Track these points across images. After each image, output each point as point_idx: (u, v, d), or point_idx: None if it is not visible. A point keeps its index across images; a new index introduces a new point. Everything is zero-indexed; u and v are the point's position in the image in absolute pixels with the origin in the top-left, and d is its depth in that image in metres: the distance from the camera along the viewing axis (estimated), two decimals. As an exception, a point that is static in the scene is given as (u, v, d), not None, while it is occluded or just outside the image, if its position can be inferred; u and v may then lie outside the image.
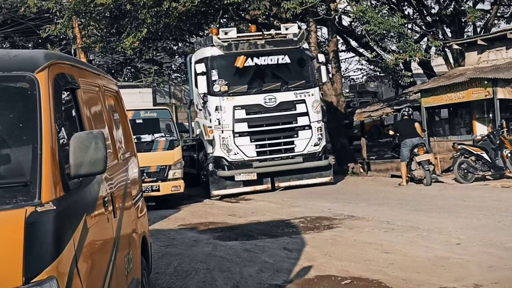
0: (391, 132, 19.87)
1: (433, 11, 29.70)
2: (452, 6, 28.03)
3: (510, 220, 11.39)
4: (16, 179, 3.84)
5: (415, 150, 17.90)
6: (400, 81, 26.43)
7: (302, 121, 18.59)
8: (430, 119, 22.90)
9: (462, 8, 27.10)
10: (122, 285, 5.15)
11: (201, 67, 18.42)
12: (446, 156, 19.87)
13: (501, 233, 10.36)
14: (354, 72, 43.93)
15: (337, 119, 23.43)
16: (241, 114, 18.27)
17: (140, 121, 17.54)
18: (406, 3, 29.58)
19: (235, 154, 18.26)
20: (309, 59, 19.31)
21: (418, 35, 30.32)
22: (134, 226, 6.17)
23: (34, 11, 23.93)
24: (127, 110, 7.50)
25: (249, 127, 18.33)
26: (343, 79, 30.78)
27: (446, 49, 27.99)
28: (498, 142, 17.40)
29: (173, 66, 40.70)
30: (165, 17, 22.02)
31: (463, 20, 28.61)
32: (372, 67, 35.85)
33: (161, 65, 37.78)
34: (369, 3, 25.39)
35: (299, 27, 20.30)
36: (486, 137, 17.84)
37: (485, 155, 17.31)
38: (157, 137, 17.64)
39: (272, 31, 19.68)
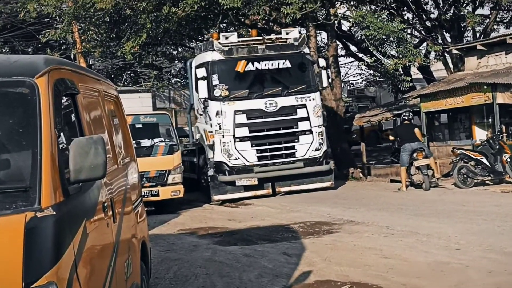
0: (391, 137, 19.87)
1: (432, 16, 29.72)
2: (452, 11, 28.03)
3: (510, 225, 11.39)
4: (16, 184, 3.85)
5: (414, 155, 17.91)
6: (399, 86, 26.41)
7: (303, 125, 18.56)
8: (429, 124, 22.89)
9: (462, 13, 27.09)
10: (121, 290, 5.15)
11: (201, 72, 18.37)
12: (445, 161, 19.86)
13: (501, 238, 10.35)
14: (354, 77, 43.97)
15: (336, 124, 23.43)
16: (242, 119, 18.24)
17: (140, 126, 17.52)
18: (405, 8, 29.58)
19: (236, 159, 18.24)
20: (310, 64, 19.28)
21: (417, 40, 30.33)
22: (133, 231, 6.17)
23: (34, 16, 23.96)
24: (126, 115, 7.50)
25: (250, 132, 18.29)
26: (342, 84, 30.79)
27: (446, 54, 28.00)
28: (497, 147, 17.40)
29: (172, 71, 40.70)
30: (164, 22, 22.04)
31: (462, 25, 28.61)
32: (371, 72, 35.87)
33: (160, 70, 37.78)
34: (368, 8, 25.48)
35: (300, 32, 20.29)
36: (485, 142, 17.84)
37: (484, 160, 17.30)
38: (157, 142, 17.62)
39: (273, 36, 19.68)
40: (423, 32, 29.61)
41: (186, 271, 9.56)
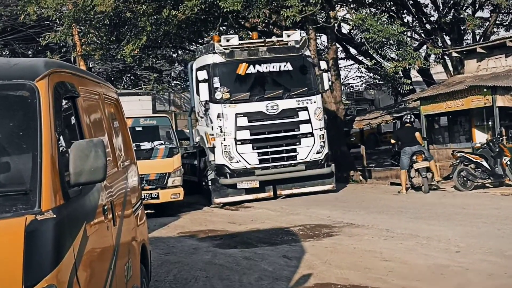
0: (392, 141, 19.87)
1: (432, 19, 29.76)
2: (452, 14, 28.08)
3: (510, 228, 11.38)
4: (16, 188, 3.85)
5: (414, 157, 17.91)
6: (399, 89, 26.48)
7: (304, 128, 18.53)
8: (429, 126, 22.92)
9: (461, 16, 27.13)
10: (121, 293, 5.15)
11: (202, 74, 18.33)
12: (445, 164, 19.86)
13: (501, 241, 10.35)
14: (354, 79, 44.02)
15: (336, 127, 23.44)
16: (243, 121, 18.21)
17: (140, 128, 17.52)
18: (405, 11, 29.63)
19: (237, 161, 18.20)
20: (311, 66, 19.24)
21: (417, 43, 30.36)
22: (133, 234, 6.17)
23: (34, 18, 23.97)
24: (126, 118, 7.50)
25: (251, 134, 18.25)
26: (342, 87, 30.81)
27: (446, 57, 28.03)
28: (497, 149, 17.41)
29: (172, 73, 40.73)
30: (164, 25, 22.06)
31: (462, 28, 28.65)
32: (371, 74, 35.90)
33: (160, 72, 37.81)
34: (368, 11, 25.50)
35: (301, 34, 20.28)
36: (485, 145, 17.84)
37: (484, 163, 17.31)
38: (157, 145, 17.63)
39: (274, 38, 19.65)
40: (423, 35, 29.64)
41: (186, 274, 9.56)
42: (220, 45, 18.46)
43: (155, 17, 22.20)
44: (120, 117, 7.03)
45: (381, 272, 8.79)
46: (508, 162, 17.08)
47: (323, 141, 18.69)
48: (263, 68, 18.67)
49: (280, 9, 20.74)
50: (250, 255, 10.68)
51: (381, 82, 33.65)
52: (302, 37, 19.46)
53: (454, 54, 24.45)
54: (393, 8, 29.28)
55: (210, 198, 18.72)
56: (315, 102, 18.73)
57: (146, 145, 17.44)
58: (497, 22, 30.38)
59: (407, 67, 23.05)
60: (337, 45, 27.29)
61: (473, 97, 19.62)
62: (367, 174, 22.98)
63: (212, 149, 18.51)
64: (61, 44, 31.60)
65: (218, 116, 18.20)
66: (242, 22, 24.40)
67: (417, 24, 30.03)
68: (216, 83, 18.32)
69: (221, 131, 18.15)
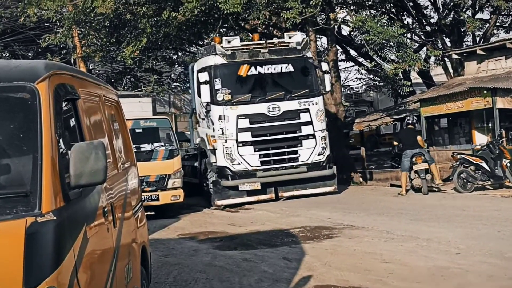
0: (395, 142, 19.85)
1: (432, 20, 29.76)
2: (451, 16, 28.09)
3: (510, 230, 11.39)
4: (16, 189, 3.85)
5: (413, 159, 17.92)
6: (399, 91, 26.44)
7: (306, 130, 18.52)
8: (429, 128, 22.91)
9: (461, 17, 27.15)
10: (121, 295, 5.15)
11: (204, 76, 18.29)
12: (445, 166, 19.86)
13: (501, 243, 10.35)
14: (354, 81, 44.01)
15: (337, 129, 23.43)
16: (245, 123, 18.19)
17: (140, 130, 17.52)
18: (405, 13, 29.63)
19: (239, 163, 18.19)
20: (313, 68, 19.23)
21: (417, 44, 30.32)
22: (133, 236, 6.17)
23: (34, 20, 24.00)
24: (126, 120, 7.51)
25: (253, 136, 18.23)
26: (342, 89, 30.81)
27: (446, 59, 28.04)
28: (497, 151, 17.41)
29: (172, 75, 40.71)
30: (164, 27, 22.07)
31: (462, 29, 28.66)
32: (371, 76, 35.89)
33: (160, 74, 37.77)
34: (368, 13, 25.51)
35: (302, 36, 20.28)
36: (485, 147, 17.85)
37: (484, 165, 17.31)
38: (157, 147, 17.62)
39: (275, 40, 19.62)
40: (423, 36, 29.64)
41: (186, 275, 9.56)
42: (222, 47, 18.43)
43: (155, 19, 22.20)
44: (120, 119, 7.04)
45: (381, 274, 8.79)
46: (508, 164, 17.08)
47: (325, 143, 18.67)
48: (265, 69, 18.64)
49: (280, 11, 20.75)
50: (250, 257, 10.68)
51: (381, 84, 33.62)
52: (304, 39, 19.45)
53: (454, 56, 24.45)
54: (393, 10, 29.27)
55: (210, 200, 18.71)
56: (316, 104, 18.72)
57: (146, 147, 17.43)
58: (497, 24, 30.38)
59: (407, 69, 23.04)
60: (337, 47, 27.28)
61: (473, 99, 19.61)
62: (368, 175, 22.97)
63: (214, 151, 18.50)
64: (61, 46, 31.55)
65: (220, 118, 18.18)
66: (242, 24, 24.41)
67: (417, 26, 30.01)
68: (218, 84, 18.30)
69: (223, 133, 18.13)
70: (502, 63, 20.81)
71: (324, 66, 19.44)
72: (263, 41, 19.32)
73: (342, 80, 36.64)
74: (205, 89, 18.23)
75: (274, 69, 18.72)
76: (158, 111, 31.82)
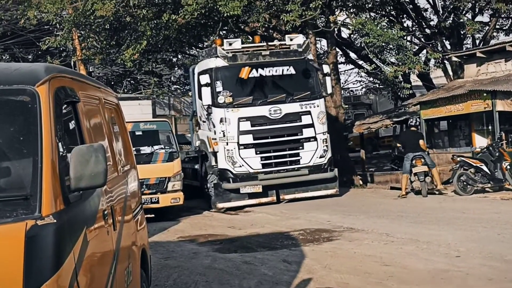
0: (398, 144, 19.84)
1: (432, 23, 29.81)
2: (451, 19, 28.11)
3: (510, 233, 11.39)
4: (16, 193, 3.85)
5: (413, 161, 17.93)
6: (399, 93, 26.47)
7: (307, 132, 18.48)
8: (429, 131, 22.91)
9: (461, 20, 27.17)
10: (121, 298, 5.15)
11: (205, 78, 18.21)
12: (445, 168, 19.87)
13: (501, 245, 10.35)
14: (354, 84, 44.05)
15: (337, 131, 23.42)
16: (246, 126, 18.14)
17: (140, 133, 17.51)
18: (405, 15, 29.67)
19: (240, 166, 18.14)
20: (314, 70, 19.18)
21: (417, 47, 30.39)
22: (133, 238, 6.17)
23: (34, 23, 24.00)
24: (126, 122, 7.51)
25: (254, 139, 18.19)
26: (342, 91, 30.84)
27: (445, 61, 28.05)
28: (497, 154, 17.42)
29: (172, 78, 40.77)
30: (164, 29, 22.07)
31: (462, 32, 28.68)
32: (371, 79, 35.91)
33: (160, 77, 37.83)
34: (368, 16, 25.54)
35: (304, 38, 20.27)
36: (485, 149, 17.85)
37: (484, 167, 17.31)
38: (157, 149, 17.61)
39: (276, 42, 19.61)
40: (422, 39, 29.67)
41: (186, 278, 9.55)
42: (223, 49, 18.38)
43: (155, 22, 22.21)
44: (120, 122, 7.04)
45: (381, 277, 8.79)
46: (508, 167, 17.08)
47: (326, 145, 18.64)
48: (266, 72, 18.59)
49: (280, 13, 20.75)
50: (250, 260, 10.68)
51: (381, 86, 33.64)
52: (305, 41, 19.45)
53: (454, 59, 24.47)
54: (392, 12, 29.32)
55: (210, 202, 18.69)
56: (318, 106, 18.68)
57: (146, 150, 17.42)
58: (497, 26, 30.42)
59: (407, 72, 23.07)
60: (337, 49, 27.31)
61: (473, 102, 19.62)
62: (367, 178, 22.96)
63: (215, 154, 18.47)
64: (61, 49, 31.63)
65: (221, 121, 18.15)
66: (242, 27, 24.42)
67: (417, 29, 30.06)
68: (219, 87, 18.25)
69: (224, 136, 18.10)
70: (502, 65, 20.82)
71: (326, 68, 19.38)
72: (264, 44, 19.27)
73: (342, 83, 36.70)
74: (206, 91, 18.18)
75: (276, 71, 18.68)
76: (158, 113, 31.73)
